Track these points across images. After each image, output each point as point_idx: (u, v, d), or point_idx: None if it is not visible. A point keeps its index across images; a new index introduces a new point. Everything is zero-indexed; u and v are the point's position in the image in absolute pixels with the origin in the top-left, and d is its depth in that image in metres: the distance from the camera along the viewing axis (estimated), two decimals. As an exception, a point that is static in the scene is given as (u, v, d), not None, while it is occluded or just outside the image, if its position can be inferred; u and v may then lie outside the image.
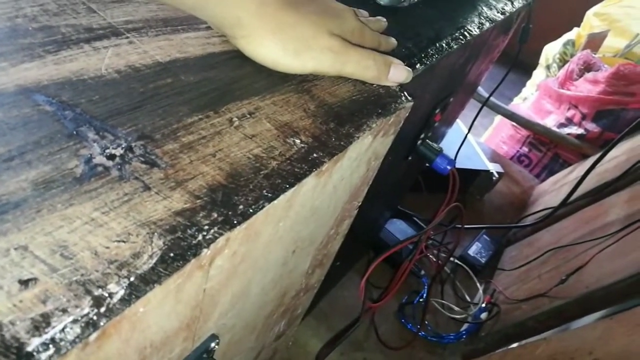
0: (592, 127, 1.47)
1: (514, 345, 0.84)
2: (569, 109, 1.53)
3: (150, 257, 0.22)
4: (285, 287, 0.42)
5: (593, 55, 1.64)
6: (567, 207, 1.09)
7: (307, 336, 0.87)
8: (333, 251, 0.50)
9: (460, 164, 1.24)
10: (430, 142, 0.67)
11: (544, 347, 0.72)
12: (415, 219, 1.08)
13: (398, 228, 1.02)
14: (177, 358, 0.29)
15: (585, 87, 1.50)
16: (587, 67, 1.58)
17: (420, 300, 0.95)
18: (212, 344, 0.32)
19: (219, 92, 0.32)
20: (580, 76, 1.56)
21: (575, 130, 1.50)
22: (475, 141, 1.37)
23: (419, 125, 0.61)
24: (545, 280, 0.92)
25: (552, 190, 1.39)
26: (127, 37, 0.32)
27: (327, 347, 0.54)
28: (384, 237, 1.00)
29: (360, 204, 0.46)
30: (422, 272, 1.02)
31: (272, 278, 0.36)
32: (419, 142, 0.65)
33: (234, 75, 0.34)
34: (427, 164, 0.68)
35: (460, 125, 1.29)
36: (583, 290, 0.79)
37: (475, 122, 1.04)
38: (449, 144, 1.02)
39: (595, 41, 1.70)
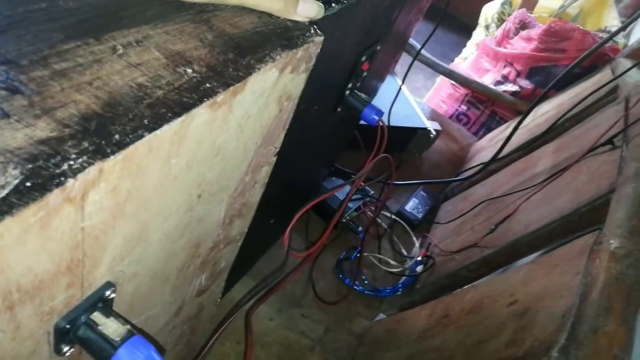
0: (526, 83, 1.51)
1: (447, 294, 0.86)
2: (504, 66, 1.56)
3: (2, 187, 0.20)
4: (198, 236, 0.40)
5: (529, 14, 1.67)
6: (501, 161, 1.12)
7: (243, 295, 0.86)
8: (253, 201, 0.48)
9: (399, 122, 1.24)
10: (359, 93, 0.66)
11: (472, 294, 0.74)
12: (353, 176, 1.08)
13: (336, 185, 1.02)
14: (63, 306, 0.27)
15: (519, 45, 1.53)
16: (523, 25, 1.61)
17: (358, 255, 0.96)
18: (108, 292, 0.30)
19: (103, 20, 0.29)
20: (517, 34, 1.58)
21: (510, 87, 1.54)
22: (414, 100, 1.37)
23: (345, 74, 0.60)
24: (477, 232, 0.95)
25: (489, 146, 1.42)
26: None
27: (252, 298, 0.53)
28: (321, 195, 0.99)
29: (278, 149, 0.44)
30: (360, 229, 1.02)
31: (177, 225, 0.35)
32: (348, 92, 0.64)
33: (122, 3, 0.31)
34: (358, 117, 0.67)
35: (399, 84, 1.29)
36: (511, 238, 0.81)
37: (420, 85, 1.05)
38: (387, 103, 1.02)
39: (531, 0, 1.73)
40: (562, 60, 1.44)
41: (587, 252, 0.55)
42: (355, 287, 0.93)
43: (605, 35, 1.49)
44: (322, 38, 0.37)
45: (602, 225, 0.59)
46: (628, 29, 1.54)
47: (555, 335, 0.45)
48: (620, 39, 1.54)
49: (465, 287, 0.81)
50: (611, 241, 0.54)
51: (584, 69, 1.31)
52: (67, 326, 0.27)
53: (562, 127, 1.04)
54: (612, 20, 1.73)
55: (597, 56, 1.35)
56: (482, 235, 0.88)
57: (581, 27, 1.50)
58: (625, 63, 1.19)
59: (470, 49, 2.01)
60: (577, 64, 0.93)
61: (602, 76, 1.20)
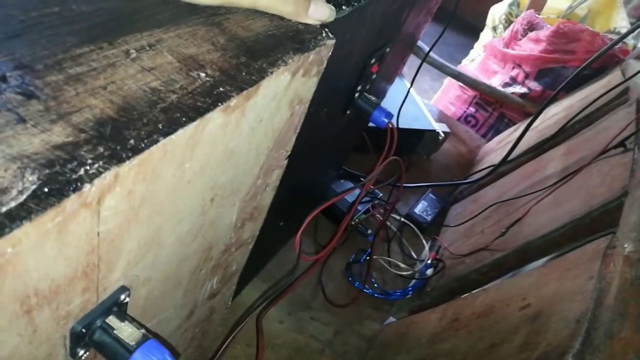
0: (534, 85, 1.50)
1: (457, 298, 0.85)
2: (513, 68, 1.55)
3: (20, 192, 0.20)
4: (210, 239, 0.40)
5: (537, 15, 1.66)
6: (510, 163, 1.12)
7: (253, 297, 0.86)
8: (265, 204, 0.48)
9: (407, 124, 1.24)
10: (369, 95, 0.65)
11: (483, 297, 0.73)
12: (362, 179, 1.08)
13: (344, 188, 1.01)
14: (79, 310, 0.27)
15: (528, 46, 1.52)
16: (531, 27, 1.60)
17: (367, 258, 0.96)
18: (122, 296, 0.30)
19: (116, 23, 0.29)
20: (525, 36, 1.57)
21: (519, 89, 1.53)
22: (422, 102, 1.37)
23: (354, 76, 0.60)
24: (488, 235, 0.94)
25: (498, 148, 1.42)
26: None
27: (264, 302, 0.53)
28: (330, 197, 0.99)
29: (289, 153, 0.44)
30: (370, 231, 1.02)
31: (190, 228, 0.35)
32: (357, 94, 0.64)
33: (135, 7, 0.31)
34: (367, 120, 0.67)
35: (407, 86, 1.29)
36: (522, 241, 0.81)
37: (427, 87, 1.04)
38: (395, 105, 1.02)
39: (539, 1, 1.72)
40: (571, 62, 1.43)
41: (600, 256, 0.55)
42: (364, 290, 0.92)
43: (614, 37, 1.48)
44: (333, 41, 0.37)
45: (616, 229, 0.58)
46: (638, 30, 1.53)
47: (569, 340, 0.45)
48: (630, 40, 1.53)
49: (475, 290, 0.81)
50: (625, 245, 0.53)
51: (593, 70, 1.30)
52: (83, 330, 0.27)
53: (572, 129, 1.03)
54: (621, 21, 1.72)
55: (607, 58, 1.34)
56: (492, 239, 0.87)
57: (590, 28, 1.49)
58: (635, 65, 1.18)
59: (478, 50, 2.00)
60: (587, 65, 0.93)
61: (612, 78, 1.19)
